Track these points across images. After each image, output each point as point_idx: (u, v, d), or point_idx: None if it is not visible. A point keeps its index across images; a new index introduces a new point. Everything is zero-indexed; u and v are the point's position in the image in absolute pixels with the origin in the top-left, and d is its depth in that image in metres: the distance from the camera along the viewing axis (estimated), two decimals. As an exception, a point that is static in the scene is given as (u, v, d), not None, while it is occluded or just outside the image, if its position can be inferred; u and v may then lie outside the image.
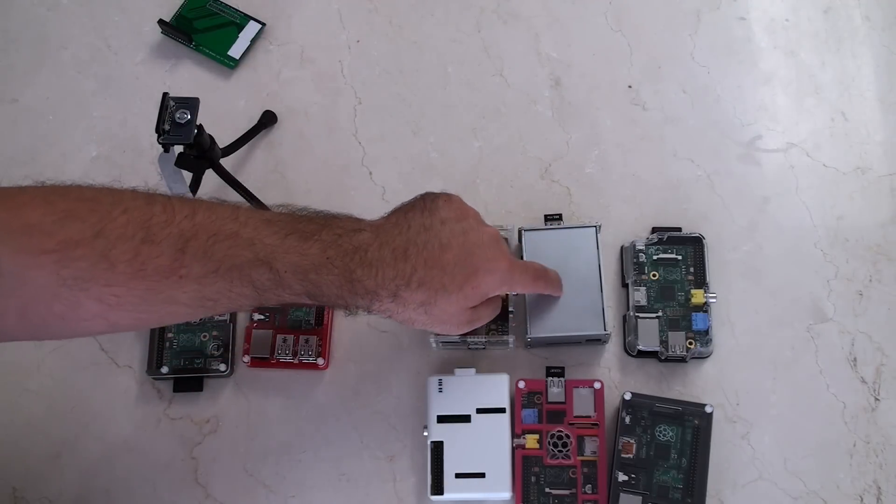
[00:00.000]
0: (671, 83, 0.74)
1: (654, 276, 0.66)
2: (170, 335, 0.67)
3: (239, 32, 0.76)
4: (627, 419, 0.62)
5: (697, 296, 0.65)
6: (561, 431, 0.62)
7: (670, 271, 0.66)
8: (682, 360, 0.65)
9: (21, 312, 0.44)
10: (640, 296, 0.65)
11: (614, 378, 0.66)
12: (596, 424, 0.62)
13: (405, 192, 0.71)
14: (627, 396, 0.62)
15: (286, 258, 0.49)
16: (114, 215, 0.45)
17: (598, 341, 0.66)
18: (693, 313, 0.65)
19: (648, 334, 0.64)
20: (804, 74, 0.74)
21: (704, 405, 0.62)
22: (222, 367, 0.66)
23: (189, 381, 0.66)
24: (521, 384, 0.63)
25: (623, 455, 0.61)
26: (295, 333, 0.66)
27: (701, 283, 0.65)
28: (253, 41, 0.76)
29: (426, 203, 0.54)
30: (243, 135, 0.71)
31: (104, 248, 0.44)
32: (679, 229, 0.68)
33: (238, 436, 0.66)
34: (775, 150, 0.72)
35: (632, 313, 0.65)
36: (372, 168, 0.73)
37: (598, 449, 0.62)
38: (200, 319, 0.67)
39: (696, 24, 0.76)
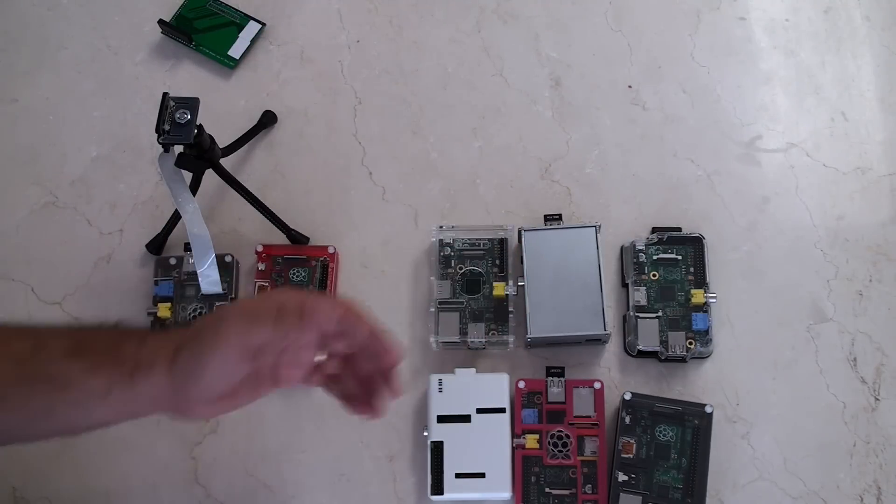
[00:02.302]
0: (671, 83, 0.74)
1: (654, 276, 0.66)
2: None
3: (239, 32, 0.76)
4: (627, 419, 0.62)
5: (697, 296, 0.64)
6: (561, 431, 0.62)
7: (670, 271, 0.66)
8: (682, 360, 0.65)
9: None
10: (640, 296, 0.65)
11: (614, 378, 0.66)
12: (596, 424, 0.62)
13: (405, 191, 0.72)
14: (627, 396, 0.62)
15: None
16: None
17: (598, 341, 0.66)
18: (693, 313, 0.65)
19: (648, 334, 0.64)
20: (804, 74, 0.74)
21: (704, 405, 0.62)
22: (222, 367, 0.66)
23: (189, 381, 0.66)
24: (521, 384, 0.63)
25: (623, 455, 0.61)
26: (295, 333, 0.66)
27: (701, 283, 0.65)
28: (253, 41, 0.76)
29: None
30: (243, 135, 0.71)
31: None
32: (679, 229, 0.68)
33: (238, 436, 0.66)
34: (775, 150, 0.72)
35: (632, 313, 0.65)
36: (372, 168, 0.73)
37: (598, 449, 0.62)
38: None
39: (696, 24, 0.76)
